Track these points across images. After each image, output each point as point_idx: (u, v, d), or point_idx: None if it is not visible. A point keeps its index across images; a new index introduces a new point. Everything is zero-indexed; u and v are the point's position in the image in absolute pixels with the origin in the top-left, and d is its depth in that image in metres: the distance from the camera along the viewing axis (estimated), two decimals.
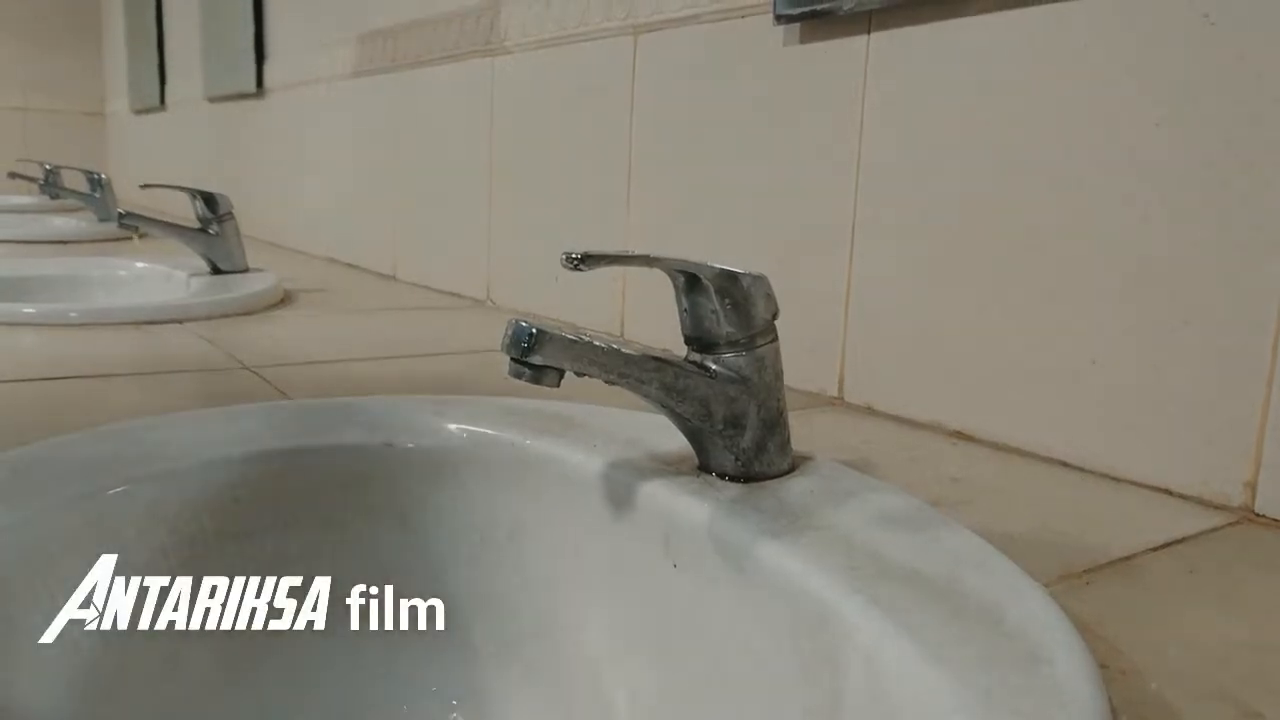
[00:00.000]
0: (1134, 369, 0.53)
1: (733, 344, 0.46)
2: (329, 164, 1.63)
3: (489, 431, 0.56)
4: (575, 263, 0.40)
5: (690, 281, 0.46)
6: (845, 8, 0.66)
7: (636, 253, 0.45)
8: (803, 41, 0.72)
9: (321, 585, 0.55)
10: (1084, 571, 0.41)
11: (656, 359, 0.44)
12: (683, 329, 0.48)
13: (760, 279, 0.46)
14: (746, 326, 0.46)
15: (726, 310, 0.46)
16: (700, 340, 0.47)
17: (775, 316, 0.47)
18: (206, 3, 2.14)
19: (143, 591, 0.49)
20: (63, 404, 0.47)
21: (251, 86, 1.87)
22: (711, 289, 0.45)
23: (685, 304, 0.47)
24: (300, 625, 0.55)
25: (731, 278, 0.45)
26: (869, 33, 0.67)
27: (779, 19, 0.71)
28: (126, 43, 2.93)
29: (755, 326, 0.46)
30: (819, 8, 0.68)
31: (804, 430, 0.53)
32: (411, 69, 1.29)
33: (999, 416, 0.60)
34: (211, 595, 0.52)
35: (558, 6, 0.99)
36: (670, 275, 0.46)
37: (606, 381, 0.43)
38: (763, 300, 0.47)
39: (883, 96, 0.66)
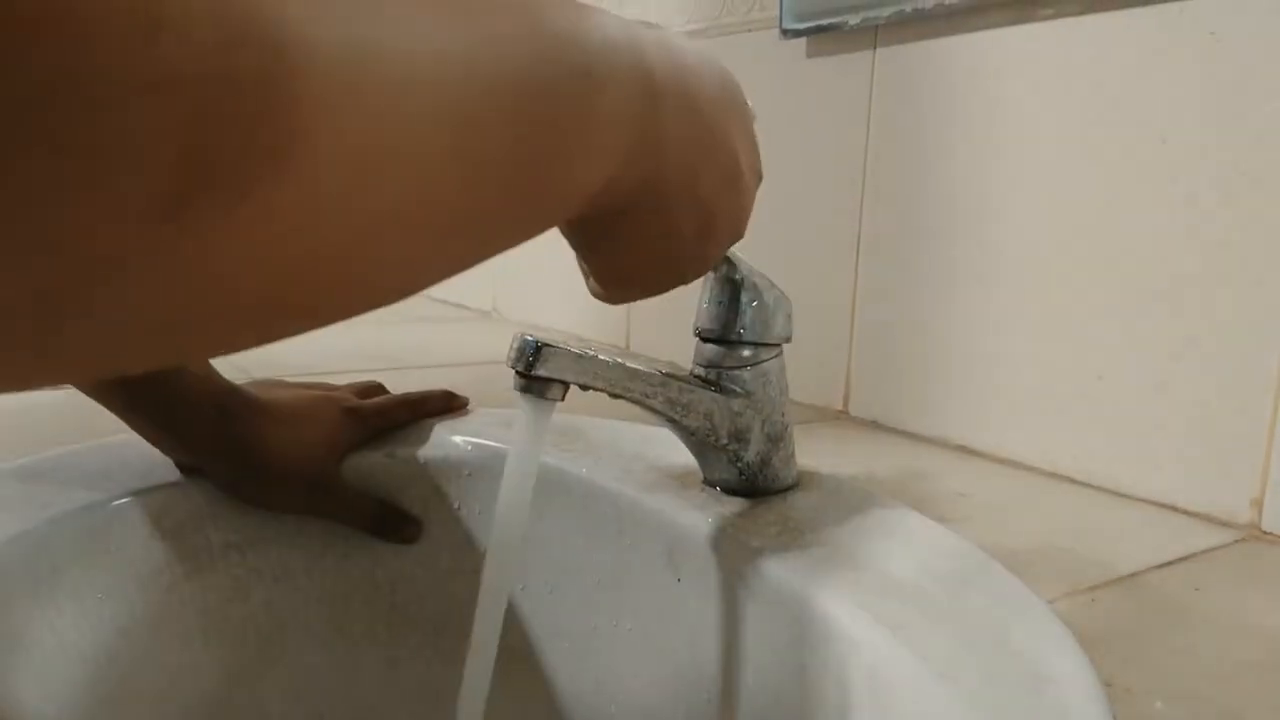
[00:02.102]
0: (1140, 385, 0.53)
1: (741, 344, 0.46)
2: None
3: (493, 443, 0.56)
4: None
5: (725, 271, 0.46)
6: (851, 23, 0.66)
7: None
8: (809, 56, 0.72)
9: (324, 592, 0.56)
10: (1089, 588, 0.41)
11: (662, 373, 0.44)
12: (697, 320, 0.48)
13: (787, 300, 0.47)
14: (763, 333, 0.46)
15: (750, 310, 0.46)
16: (713, 334, 0.47)
17: (787, 340, 0.48)
18: None
19: (145, 600, 0.49)
20: (67, 414, 0.47)
21: None
22: (742, 285, 0.46)
23: (711, 294, 0.47)
24: (304, 633, 0.55)
25: (766, 282, 0.47)
26: (875, 48, 0.67)
27: (785, 33, 0.72)
28: None
29: (769, 338, 0.47)
30: (825, 23, 0.68)
31: (809, 444, 0.53)
32: None
33: (1004, 431, 0.60)
34: (214, 602, 0.52)
35: None
36: None
37: (611, 395, 0.43)
38: (783, 318, 0.47)
39: (889, 111, 0.67)
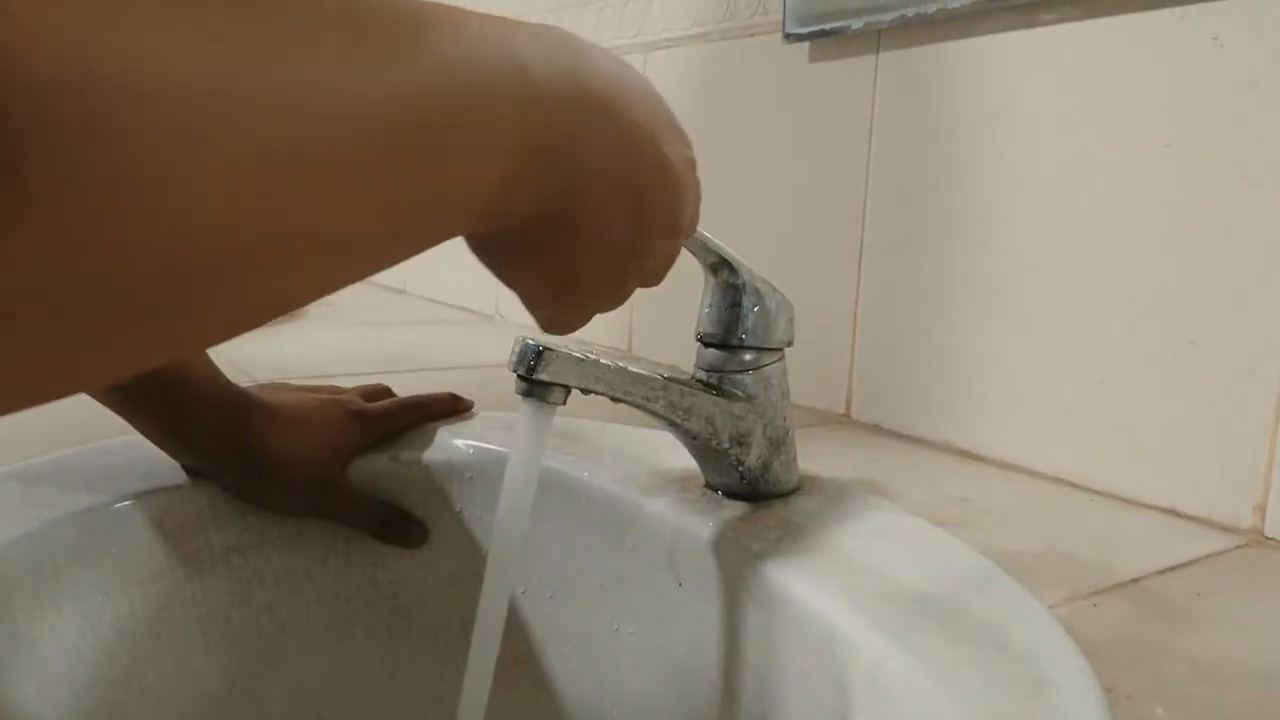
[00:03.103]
0: (1143, 390, 0.53)
1: (743, 349, 0.46)
2: None
3: (495, 447, 0.56)
4: None
5: (726, 276, 0.46)
6: (854, 27, 0.66)
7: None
8: (811, 60, 0.72)
9: (325, 595, 0.56)
10: (1091, 593, 0.41)
11: (663, 377, 0.44)
12: (699, 324, 0.48)
13: (789, 304, 0.47)
14: (765, 338, 0.46)
15: (752, 314, 0.46)
16: (715, 338, 0.47)
17: (789, 344, 0.48)
18: None
19: (147, 602, 0.49)
20: (69, 418, 0.47)
21: None
22: (744, 289, 0.46)
23: (713, 298, 0.47)
24: (306, 637, 0.55)
25: (768, 287, 0.47)
26: (878, 52, 0.67)
27: (788, 38, 0.72)
28: None
29: (771, 343, 0.47)
30: (828, 27, 0.68)
31: (811, 448, 0.53)
32: None
33: (1006, 436, 0.60)
34: (216, 605, 0.52)
35: (568, 23, 0.99)
36: (706, 265, 0.47)
37: (613, 399, 0.43)
38: (785, 322, 0.47)
39: (891, 115, 0.67)
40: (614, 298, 0.34)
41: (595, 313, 0.35)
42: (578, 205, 0.29)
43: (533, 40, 0.27)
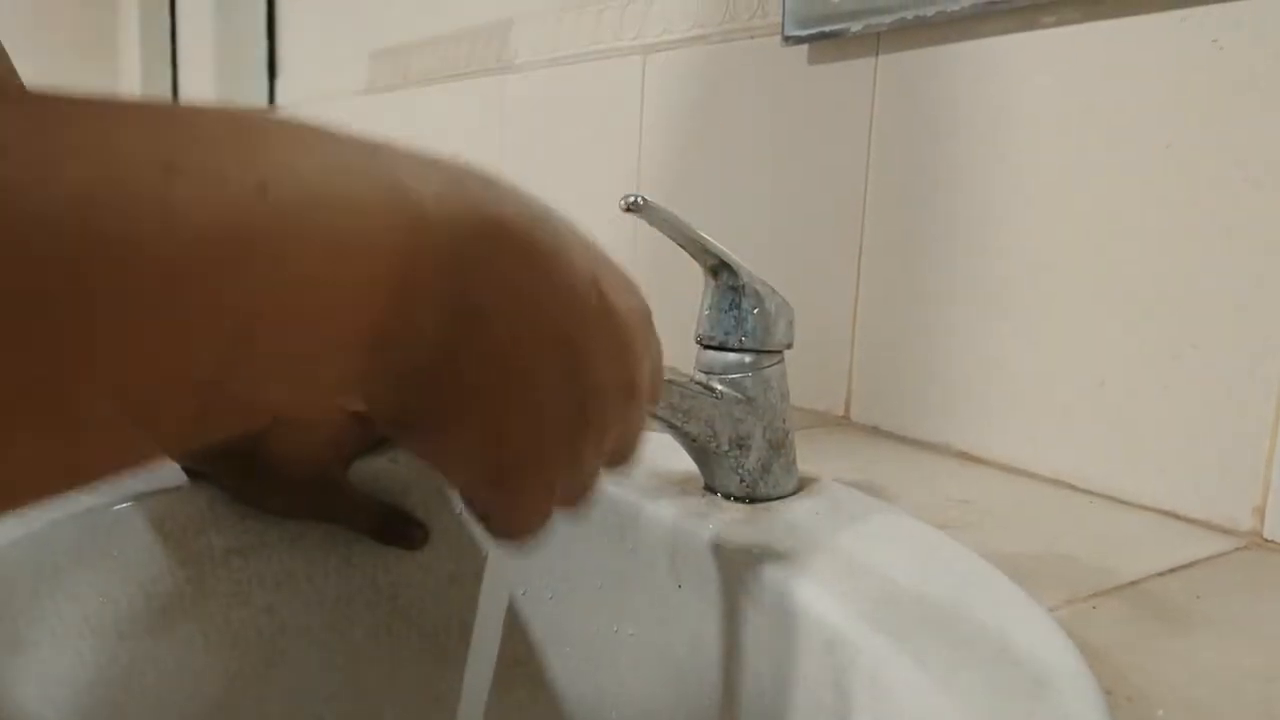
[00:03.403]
0: (1142, 391, 0.53)
1: (742, 351, 0.46)
2: None
3: None
4: (633, 203, 0.41)
5: (726, 279, 0.46)
6: (854, 29, 0.66)
7: (690, 226, 0.46)
8: (811, 63, 0.72)
9: (326, 597, 0.56)
10: (1090, 596, 0.41)
11: (662, 379, 0.44)
12: (699, 327, 0.48)
13: (789, 306, 0.47)
14: (764, 340, 0.46)
15: (751, 316, 0.46)
16: (714, 341, 0.47)
17: (789, 346, 0.48)
18: (220, 19, 2.16)
19: (147, 604, 0.49)
20: None
21: (264, 102, 1.88)
22: (743, 292, 0.46)
23: (712, 301, 0.47)
24: (306, 638, 0.55)
25: (767, 289, 0.47)
26: (877, 54, 0.67)
27: (787, 40, 0.72)
28: (140, 60, 2.96)
29: (770, 345, 0.47)
30: (827, 29, 0.68)
31: (810, 450, 0.53)
32: (422, 86, 1.30)
33: (1006, 438, 0.60)
34: (216, 606, 0.52)
35: (569, 25, 1.00)
36: (706, 267, 0.47)
37: None
38: (784, 324, 0.47)
39: (891, 118, 0.67)
40: (571, 476, 0.27)
41: (551, 504, 0.27)
42: (490, 355, 0.24)
43: (419, 163, 0.23)
